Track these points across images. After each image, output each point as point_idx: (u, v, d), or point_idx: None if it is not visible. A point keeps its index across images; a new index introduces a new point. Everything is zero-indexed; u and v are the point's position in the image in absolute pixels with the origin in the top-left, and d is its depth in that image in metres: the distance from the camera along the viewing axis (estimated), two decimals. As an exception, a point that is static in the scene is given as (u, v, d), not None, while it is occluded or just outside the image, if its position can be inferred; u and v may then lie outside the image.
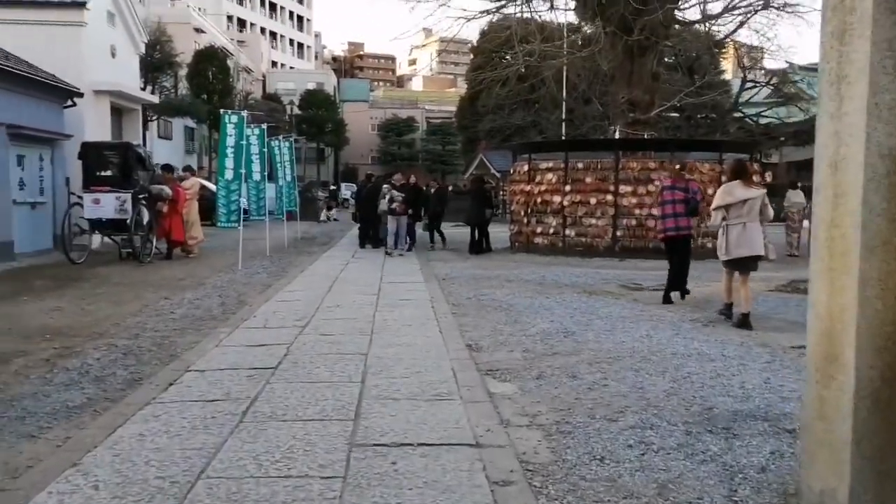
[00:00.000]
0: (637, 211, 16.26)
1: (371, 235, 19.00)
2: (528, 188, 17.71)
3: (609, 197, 16.38)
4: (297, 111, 63.16)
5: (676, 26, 19.67)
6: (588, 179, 16.66)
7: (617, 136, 18.91)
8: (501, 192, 37.78)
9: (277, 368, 6.38)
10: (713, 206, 9.02)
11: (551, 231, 17.16)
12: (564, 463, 4.24)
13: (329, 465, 4.16)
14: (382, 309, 9.56)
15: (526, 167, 17.98)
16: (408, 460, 4.22)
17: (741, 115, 32.91)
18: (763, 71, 33.59)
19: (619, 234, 16.34)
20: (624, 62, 18.57)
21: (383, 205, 18.04)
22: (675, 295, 10.57)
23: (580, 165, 16.87)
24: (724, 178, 13.46)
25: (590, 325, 8.50)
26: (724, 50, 35.30)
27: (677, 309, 9.84)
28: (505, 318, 8.94)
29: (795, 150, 36.52)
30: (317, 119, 63.56)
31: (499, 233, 20.31)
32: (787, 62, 35.91)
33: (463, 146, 55.92)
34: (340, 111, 69.63)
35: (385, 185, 17.38)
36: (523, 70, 31.56)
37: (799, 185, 18.94)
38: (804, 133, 36.36)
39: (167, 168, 17.60)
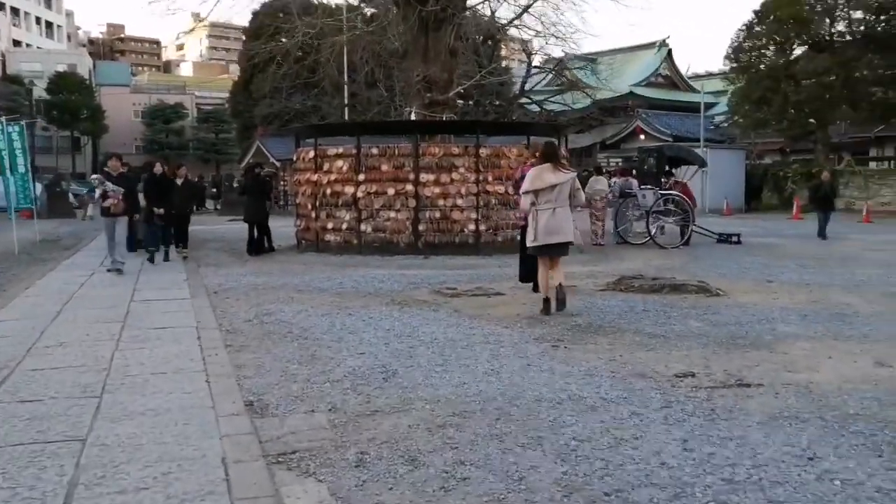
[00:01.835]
0: (441, 202, 14.43)
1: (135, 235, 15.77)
2: (314, 178, 15.36)
3: (409, 187, 14.41)
4: (45, 95, 56.10)
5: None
6: (384, 167, 14.59)
7: (413, 118, 17.01)
8: (282, 182, 35.00)
9: (-78, 482, 3.76)
10: (522, 189, 8.61)
11: (344, 226, 14.92)
12: None
13: None
14: (127, 345, 6.94)
15: (311, 154, 15.62)
16: None
17: (528, 101, 32.46)
18: (547, 57, 33.35)
19: (421, 228, 14.43)
20: (418, 37, 16.66)
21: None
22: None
23: (374, 151, 14.76)
24: (531, 161, 12.24)
25: (413, 357, 6.42)
26: (506, 37, 34.85)
27: (511, 322, 8.03)
28: (299, 353, 6.65)
29: (579, 137, 36.89)
30: (69, 105, 56.79)
31: (282, 228, 17.78)
32: (563, 51, 36.18)
33: (238, 133, 52.00)
34: (97, 96, 62.90)
35: (95, 176, 13.45)
36: (300, 53, 29.10)
37: (604, 171, 18.12)
38: (590, 119, 36.87)
39: None
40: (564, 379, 5.73)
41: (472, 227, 14.49)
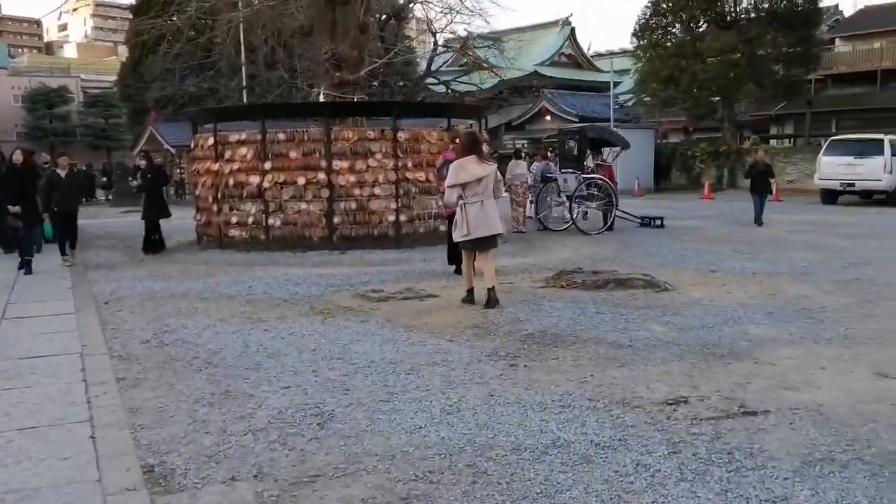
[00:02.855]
0: (357, 191, 13.17)
1: (9, 234, 13.93)
2: (215, 167, 13.88)
3: (321, 175, 13.09)
4: None
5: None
6: (293, 154, 13.22)
7: (322, 100, 15.68)
8: (179, 171, 32.94)
9: None
10: (448, 183, 8.36)
11: (250, 220, 13.47)
12: None
13: None
14: (-10, 384, 5.59)
15: (211, 140, 14.12)
16: None
17: (435, 81, 31.39)
18: (452, 36, 32.30)
19: (335, 220, 13.16)
20: (325, 11, 15.26)
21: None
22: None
23: (282, 137, 13.37)
24: (452, 147, 11.36)
25: (351, 391, 5.31)
26: (410, 16, 33.62)
27: (455, 333, 6.99)
28: (209, 388, 5.45)
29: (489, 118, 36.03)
30: (-61, 89, 52.47)
31: (180, 220, 16.14)
32: (465, 30, 35.26)
33: (129, 119, 48.86)
34: (-29, 79, 58.35)
35: None
36: (192, 33, 27.24)
37: (524, 154, 17.23)
38: (497, 100, 36.09)
39: None
40: (539, 415, 4.75)
41: (391, 217, 13.33)
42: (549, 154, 19.77)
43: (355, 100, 15.37)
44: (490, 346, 6.50)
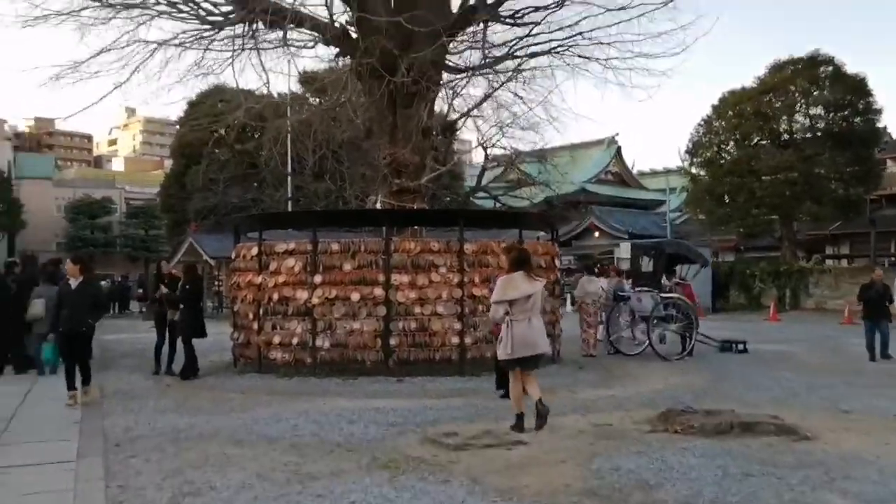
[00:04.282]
0: (417, 309, 11.62)
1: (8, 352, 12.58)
2: (258, 280, 12.45)
3: (378, 291, 11.59)
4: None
5: (446, 74, 15.69)
6: (347, 267, 11.75)
7: (379, 207, 14.41)
8: (217, 283, 31.83)
9: None
10: (494, 298, 8.07)
11: (295, 341, 11.89)
12: None
13: None
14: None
15: (255, 250, 12.78)
16: None
17: (485, 195, 30.35)
18: (504, 150, 31.51)
19: (392, 342, 11.56)
20: (385, 114, 14.19)
21: (36, 307, 12.19)
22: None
23: (335, 247, 11.95)
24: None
25: None
26: (458, 129, 33.15)
27: (572, 507, 5.25)
28: None
29: (532, 234, 34.89)
30: (-16, 198, 52.74)
31: (216, 336, 14.44)
32: (513, 148, 34.70)
33: (169, 230, 48.55)
34: (16, 189, 58.77)
35: None
36: (239, 145, 26.59)
37: (596, 270, 15.68)
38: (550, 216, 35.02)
39: None
40: None
41: (455, 339, 11.70)
42: (621, 271, 18.24)
43: (416, 208, 14.05)
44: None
